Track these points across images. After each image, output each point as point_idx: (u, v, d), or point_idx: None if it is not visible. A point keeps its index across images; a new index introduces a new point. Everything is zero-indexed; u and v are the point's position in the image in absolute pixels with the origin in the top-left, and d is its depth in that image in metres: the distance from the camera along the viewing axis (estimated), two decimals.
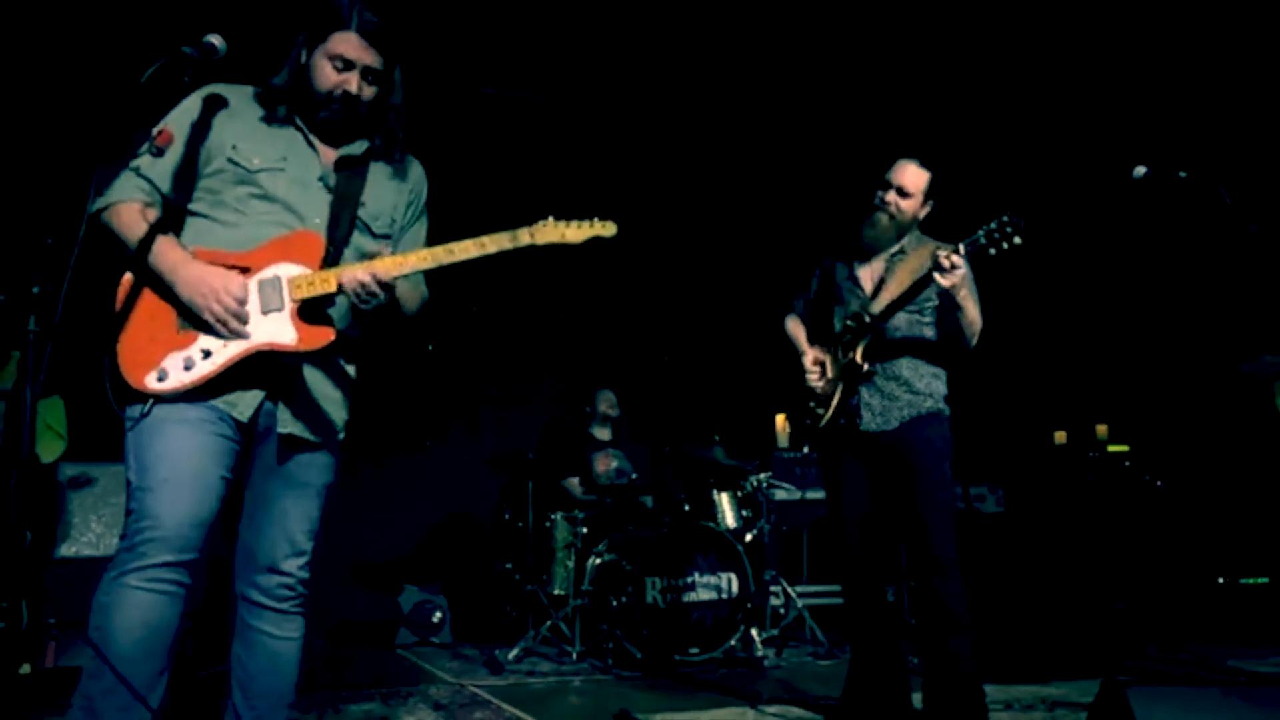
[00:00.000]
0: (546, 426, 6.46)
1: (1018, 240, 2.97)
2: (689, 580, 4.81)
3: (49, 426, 4.22)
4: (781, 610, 5.58)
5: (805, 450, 6.22)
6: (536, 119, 6.15)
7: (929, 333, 3.39)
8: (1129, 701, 2.42)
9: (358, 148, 2.33)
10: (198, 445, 2.10)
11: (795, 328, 3.68)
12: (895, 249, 3.42)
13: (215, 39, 2.07)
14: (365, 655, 5.26)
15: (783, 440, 6.58)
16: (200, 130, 2.19)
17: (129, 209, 2.15)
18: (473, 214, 2.36)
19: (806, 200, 6.58)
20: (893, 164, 3.40)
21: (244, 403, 2.18)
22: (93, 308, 2.21)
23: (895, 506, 3.29)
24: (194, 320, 2.11)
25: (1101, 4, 5.35)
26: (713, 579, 4.86)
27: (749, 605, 4.86)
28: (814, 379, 3.43)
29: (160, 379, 2.09)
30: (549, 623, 5.14)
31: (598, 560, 5.12)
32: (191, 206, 2.21)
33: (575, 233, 2.25)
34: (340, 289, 2.16)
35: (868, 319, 3.31)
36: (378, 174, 2.36)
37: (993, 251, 3.00)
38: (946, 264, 2.97)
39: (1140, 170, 3.09)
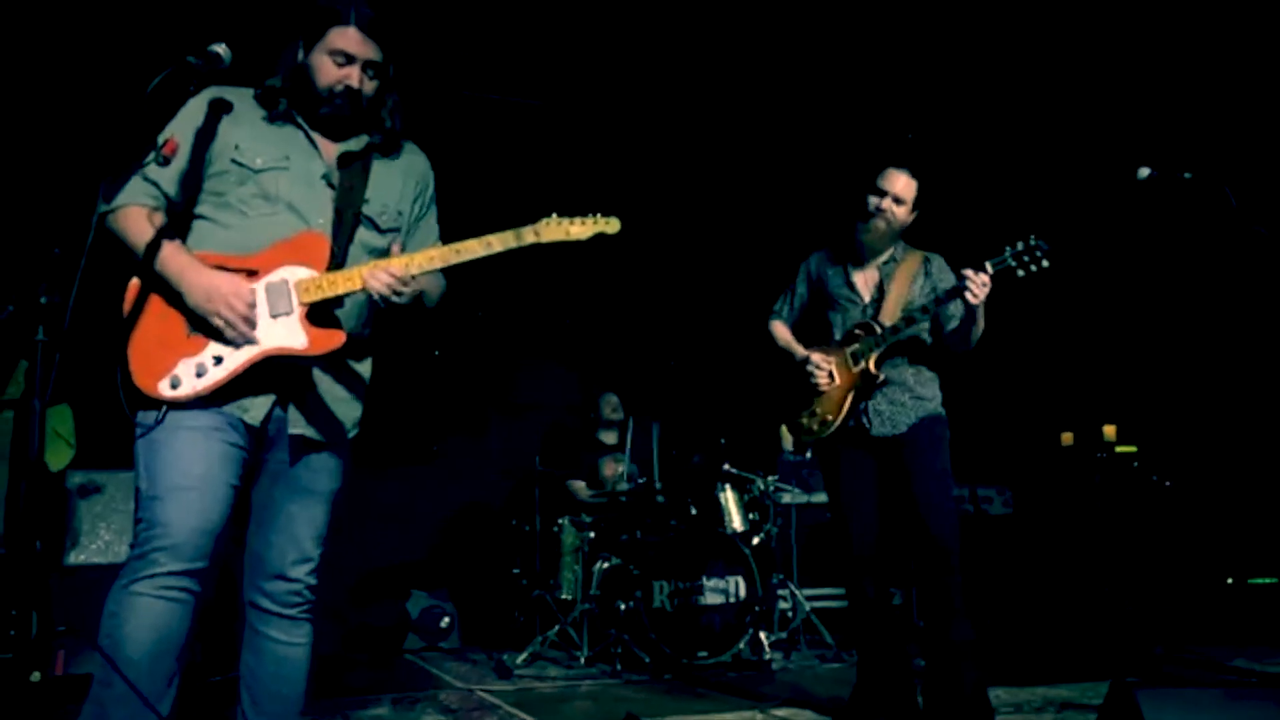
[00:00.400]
0: (549, 431, 6.47)
1: (1045, 264, 3.06)
2: (697, 584, 4.81)
3: (58, 434, 4.24)
4: (789, 613, 5.57)
5: (809, 454, 6.22)
6: (541, 126, 6.15)
7: (926, 338, 3.47)
8: (1139, 703, 2.41)
9: (358, 143, 2.33)
10: (207, 452, 2.10)
11: (783, 331, 3.68)
12: (885, 256, 3.47)
13: (220, 48, 2.07)
14: (374, 661, 5.27)
15: (788, 443, 6.56)
16: (205, 133, 2.20)
17: (136, 213, 2.16)
18: (480, 223, 2.36)
19: (812, 206, 6.57)
20: (881, 171, 3.44)
21: (255, 407, 2.18)
22: (101, 316, 2.22)
23: (899, 502, 3.33)
24: (202, 326, 2.12)
25: (1102, 5, 5.34)
26: (720, 582, 4.86)
27: (757, 608, 4.86)
28: (823, 381, 3.43)
29: (174, 386, 2.10)
30: (557, 627, 5.15)
31: (605, 565, 5.13)
32: (197, 209, 2.22)
33: (580, 229, 2.25)
34: (363, 289, 2.16)
35: (878, 329, 3.34)
36: (380, 168, 2.36)
37: (1020, 274, 3.10)
38: (977, 285, 3.05)
39: (1145, 171, 3.12)
